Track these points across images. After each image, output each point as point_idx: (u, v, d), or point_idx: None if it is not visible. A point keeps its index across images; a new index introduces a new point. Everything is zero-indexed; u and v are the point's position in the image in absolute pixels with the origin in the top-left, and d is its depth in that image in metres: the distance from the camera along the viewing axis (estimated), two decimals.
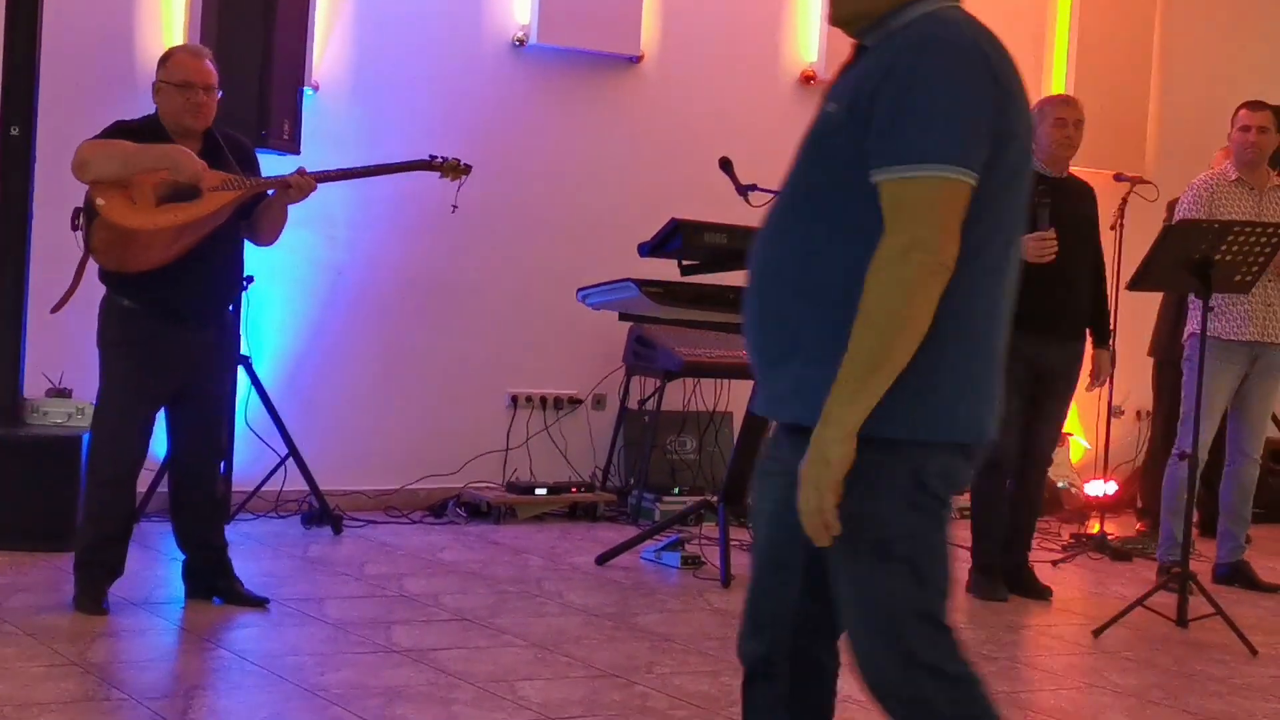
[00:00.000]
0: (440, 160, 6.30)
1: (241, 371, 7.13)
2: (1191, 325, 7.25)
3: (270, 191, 5.76)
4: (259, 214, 5.79)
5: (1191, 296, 7.26)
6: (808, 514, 2.75)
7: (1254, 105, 7.43)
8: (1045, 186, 6.81)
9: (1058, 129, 6.89)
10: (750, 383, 7.17)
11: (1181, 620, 6.42)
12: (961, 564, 7.28)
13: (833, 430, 2.72)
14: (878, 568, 2.83)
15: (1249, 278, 6.59)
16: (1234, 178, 7.32)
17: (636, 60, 8.72)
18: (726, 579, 6.75)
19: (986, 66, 2.84)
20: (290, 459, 7.51)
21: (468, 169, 6.36)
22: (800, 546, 2.87)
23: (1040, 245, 6.59)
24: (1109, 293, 7.30)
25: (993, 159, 2.78)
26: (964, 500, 8.52)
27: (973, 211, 2.77)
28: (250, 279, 7.08)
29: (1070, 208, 6.87)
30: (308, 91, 7.73)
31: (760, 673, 3.12)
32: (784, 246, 2.92)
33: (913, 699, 2.90)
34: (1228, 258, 6.42)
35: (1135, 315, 8.46)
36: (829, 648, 3.10)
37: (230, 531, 6.24)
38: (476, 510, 8.11)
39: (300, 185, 5.74)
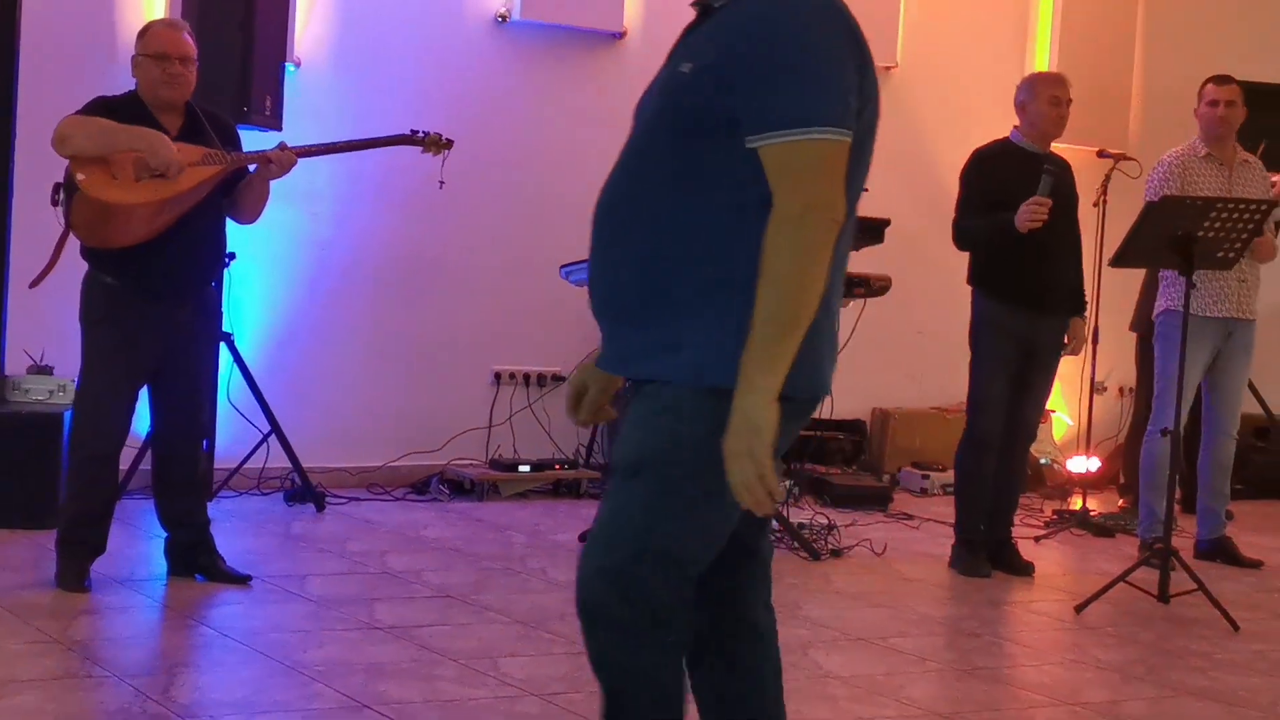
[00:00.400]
0: (422, 135, 6.29)
1: (224, 348, 7.11)
2: (1164, 302, 7.25)
3: (251, 167, 5.74)
4: (240, 190, 5.77)
5: (1162, 273, 7.27)
6: (746, 486, 2.73)
7: (1220, 79, 7.42)
8: (1049, 159, 6.82)
9: (1052, 107, 6.89)
10: None
11: (1163, 596, 6.43)
12: (945, 539, 7.30)
13: (757, 396, 2.71)
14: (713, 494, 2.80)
15: (1232, 254, 6.60)
16: (1204, 153, 7.32)
17: (619, 36, 8.70)
18: None
19: (847, 25, 2.86)
20: (272, 436, 7.49)
21: (450, 143, 6.35)
22: None
23: (1032, 211, 6.60)
24: (1092, 269, 7.31)
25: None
26: (948, 476, 8.57)
27: None
28: (232, 256, 7.04)
29: (1058, 185, 6.88)
30: (290, 67, 7.70)
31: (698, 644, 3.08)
32: (639, 205, 2.90)
33: (630, 582, 2.87)
34: (1210, 234, 6.42)
35: (1118, 291, 8.47)
36: (763, 607, 3.16)
37: (212, 509, 6.22)
38: (459, 487, 8.10)
39: (281, 160, 5.72)
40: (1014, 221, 6.63)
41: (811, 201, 2.74)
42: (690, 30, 2.97)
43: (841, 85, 2.79)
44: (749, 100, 2.75)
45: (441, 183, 6.34)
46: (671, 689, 2.99)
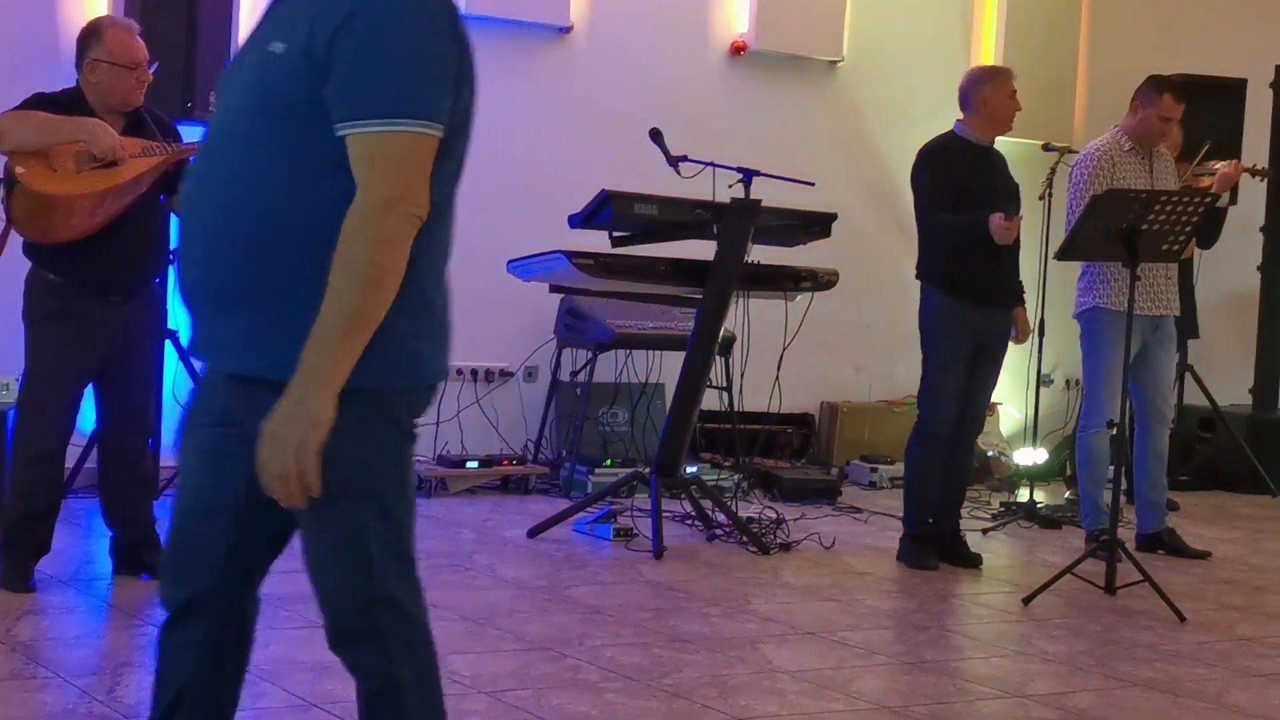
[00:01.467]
0: None
1: (169, 346, 7.06)
2: (1088, 299, 7.28)
3: (193, 159, 5.70)
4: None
5: (1084, 270, 7.31)
6: (283, 477, 2.68)
7: (1180, 97, 7.40)
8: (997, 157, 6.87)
9: (1012, 100, 6.92)
10: (682, 353, 7.20)
11: (1110, 587, 6.46)
12: (893, 532, 7.32)
13: (318, 388, 2.66)
14: (353, 509, 2.80)
15: (1176, 246, 6.64)
16: (1128, 147, 7.35)
17: (566, 31, 8.69)
18: (659, 550, 6.74)
19: (448, 15, 2.81)
20: None
21: None
22: (239, 494, 2.85)
23: (1009, 229, 6.64)
24: (1037, 262, 7.36)
25: (451, 107, 2.81)
26: (896, 469, 8.60)
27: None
28: (176, 251, 7.01)
29: (1001, 177, 6.92)
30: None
31: (179, 617, 3.03)
32: (230, 190, 2.81)
33: (371, 633, 2.88)
34: (1154, 227, 6.45)
35: (1064, 285, 8.49)
36: (253, 593, 3.11)
37: (159, 507, 6.17)
38: None
39: None
40: (988, 224, 6.64)
41: (393, 194, 2.70)
42: (278, 4, 2.86)
43: (435, 76, 2.76)
44: (339, 87, 2.70)
45: None
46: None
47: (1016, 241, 7.01)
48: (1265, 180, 9.47)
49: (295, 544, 6.57)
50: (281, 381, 2.68)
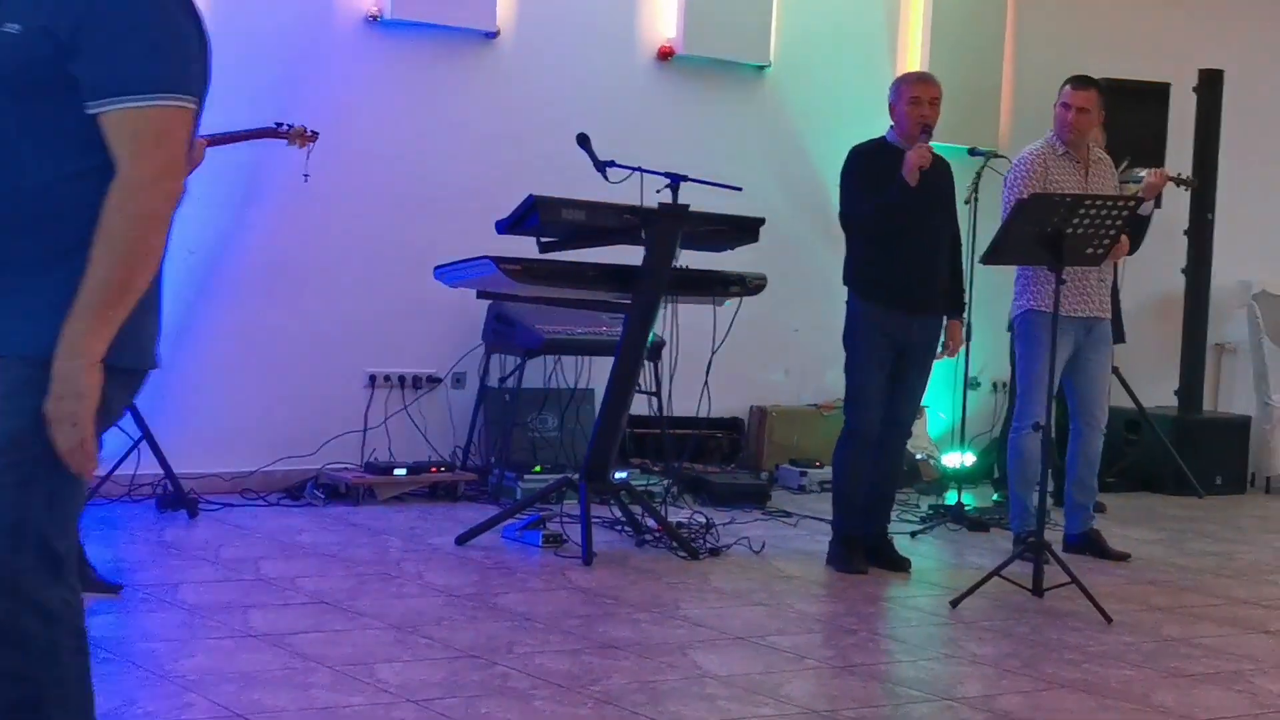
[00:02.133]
0: (286, 128, 6.24)
1: None
2: (1023, 302, 7.31)
3: None
4: None
5: (1020, 273, 7.34)
6: (71, 453, 2.70)
7: (1079, 83, 7.44)
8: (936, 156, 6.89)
9: (913, 107, 6.92)
10: (611, 359, 7.18)
11: (1037, 589, 6.49)
12: (823, 536, 7.33)
13: (81, 362, 2.68)
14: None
15: (1100, 250, 6.68)
16: (1062, 151, 7.39)
17: (493, 36, 8.66)
18: (588, 557, 6.72)
19: None
20: (143, 442, 7.37)
21: (314, 135, 6.31)
22: None
23: (924, 154, 6.70)
24: (964, 265, 7.38)
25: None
26: (825, 473, 8.61)
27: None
28: None
29: (930, 182, 6.91)
30: None
31: None
32: None
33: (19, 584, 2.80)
34: (1079, 230, 6.49)
35: (990, 288, 8.55)
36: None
37: (82, 517, 6.10)
38: (335, 491, 8.02)
39: (195, 146, 5.64)
40: (903, 177, 6.67)
41: (157, 170, 2.72)
42: None
43: (186, 51, 2.80)
44: (91, 64, 2.70)
45: (306, 176, 6.28)
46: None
47: (946, 246, 7.04)
48: (1189, 189, 9.56)
49: (224, 554, 6.53)
50: (29, 357, 2.70)
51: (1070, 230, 6.46)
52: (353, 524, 7.45)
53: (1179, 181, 8.05)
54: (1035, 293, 7.23)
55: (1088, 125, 7.40)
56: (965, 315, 7.49)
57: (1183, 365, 10.46)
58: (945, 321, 7.16)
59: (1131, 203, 6.67)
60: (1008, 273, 8.54)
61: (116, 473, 7.50)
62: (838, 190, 7.07)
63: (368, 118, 8.35)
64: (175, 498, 7.43)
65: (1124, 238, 7.27)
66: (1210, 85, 10.28)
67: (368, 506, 7.92)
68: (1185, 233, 10.25)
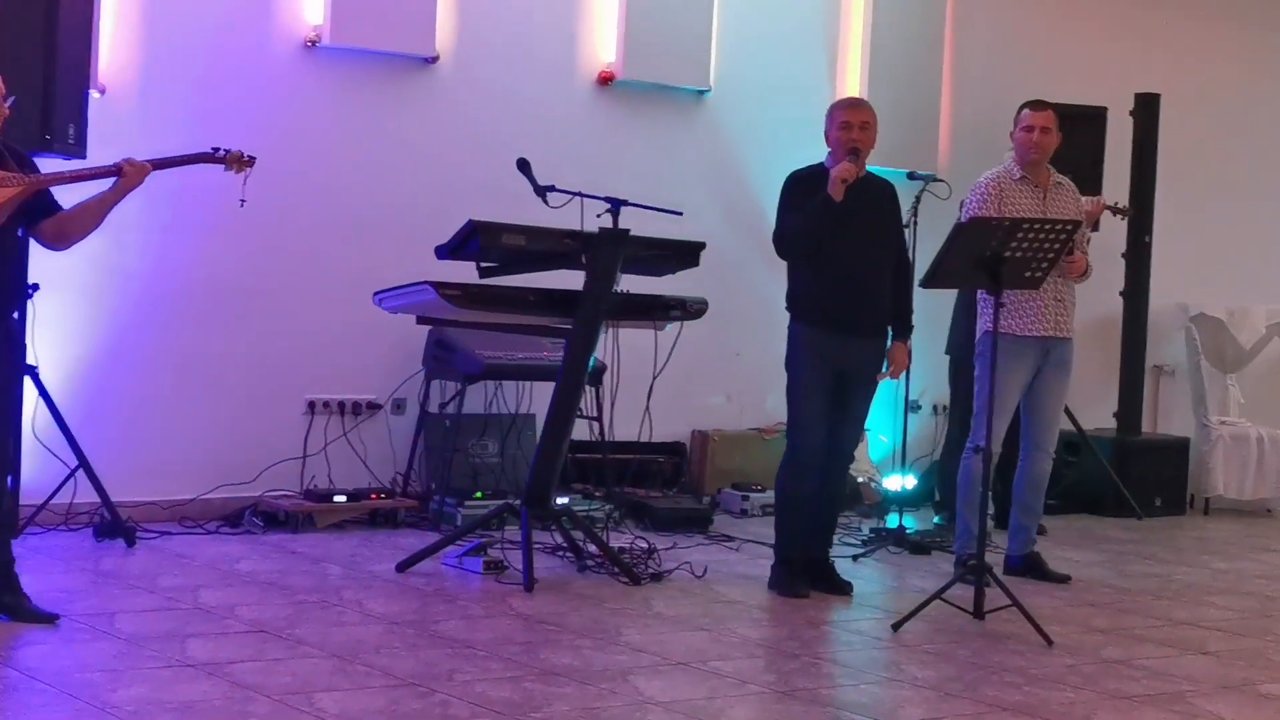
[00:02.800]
0: (223, 153, 6.23)
1: (28, 381, 6.93)
2: (984, 323, 7.36)
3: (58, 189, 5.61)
4: (74, 210, 5.68)
5: (981, 295, 7.37)
6: None
7: (1037, 105, 7.57)
8: (875, 180, 6.90)
9: (843, 131, 6.92)
10: (552, 384, 7.16)
11: (978, 612, 6.50)
12: (765, 560, 7.32)
13: None
14: None
15: (1039, 273, 6.71)
16: (1019, 175, 7.45)
17: (432, 61, 8.64)
18: (529, 583, 6.70)
19: None
20: (80, 470, 7.31)
21: (251, 161, 6.28)
22: None
23: (851, 169, 6.72)
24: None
25: None
26: (768, 497, 8.61)
27: None
28: (35, 286, 6.88)
29: (868, 204, 6.92)
30: (94, 94, 7.53)
31: None
32: None
33: None
34: (1018, 254, 6.53)
35: (929, 311, 8.58)
36: None
37: (18, 546, 6.06)
38: (274, 519, 7.97)
39: (135, 170, 5.66)
40: (827, 193, 6.70)
41: None
42: None
43: None
44: None
45: (243, 201, 6.25)
46: None
47: (887, 270, 7.05)
48: (1125, 218, 9.62)
49: (162, 583, 6.48)
50: None
51: (1008, 254, 6.49)
52: (292, 552, 7.40)
53: (1115, 210, 8.11)
54: (992, 314, 7.25)
55: (1050, 144, 7.46)
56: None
57: (1121, 387, 10.52)
58: (890, 343, 7.15)
59: (1069, 226, 6.71)
60: (948, 296, 8.61)
61: (53, 501, 7.43)
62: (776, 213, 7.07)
63: (307, 143, 8.31)
64: (112, 526, 7.35)
65: (1082, 258, 7.32)
66: (1146, 109, 10.37)
67: (307, 534, 7.87)
68: (1123, 256, 10.32)
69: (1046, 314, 7.38)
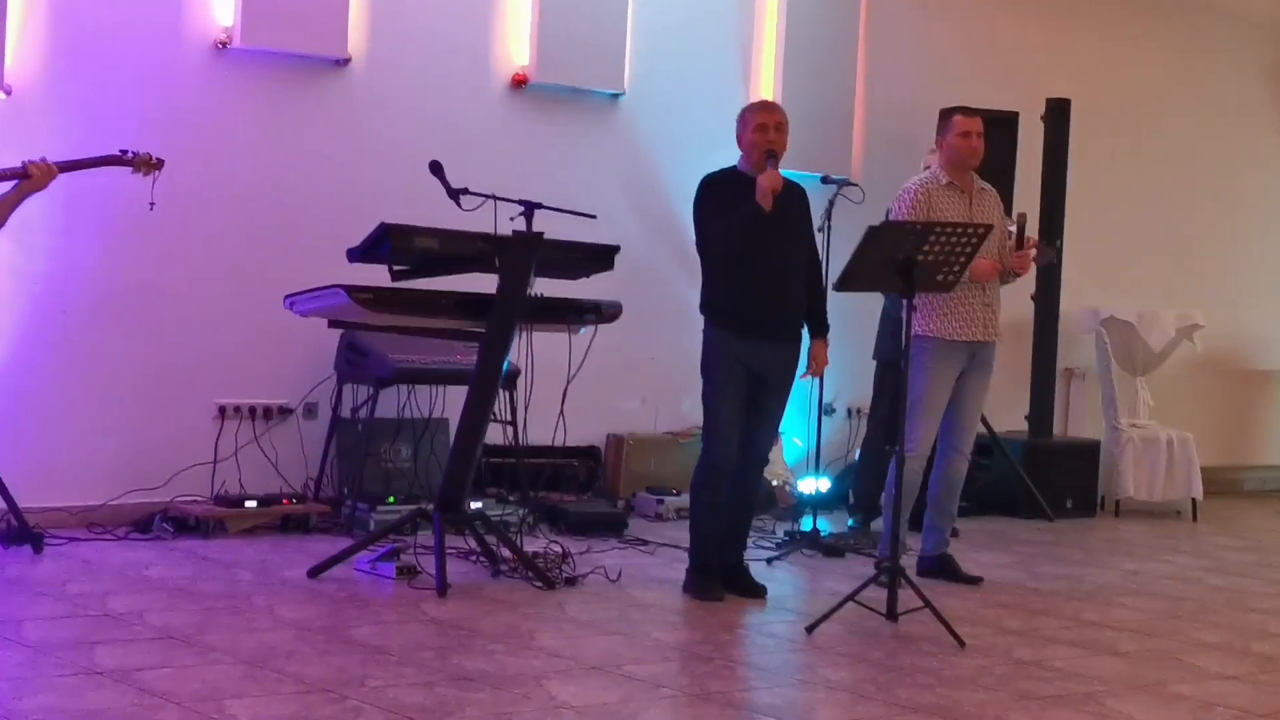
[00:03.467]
0: (131, 155, 6.17)
1: None
2: (915, 327, 7.36)
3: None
4: None
5: (918, 298, 7.37)
6: None
7: (967, 111, 7.60)
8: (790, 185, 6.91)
9: (759, 134, 6.94)
10: (465, 388, 7.13)
11: (891, 614, 6.53)
12: (679, 564, 7.32)
13: None
14: None
15: (950, 277, 6.75)
16: (946, 182, 7.48)
17: (344, 63, 8.59)
18: (443, 588, 6.66)
19: None
20: None
21: (160, 163, 6.24)
22: None
23: (774, 178, 6.74)
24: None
25: None
26: (682, 501, 8.61)
27: None
28: None
29: (783, 208, 6.93)
30: None
31: None
32: None
33: None
34: (929, 258, 6.56)
35: (845, 315, 8.60)
36: None
37: None
38: (184, 525, 7.89)
39: (42, 171, 5.59)
40: (756, 202, 6.71)
41: None
42: None
43: None
44: None
45: (152, 204, 6.19)
46: None
47: (803, 272, 7.07)
48: (1047, 263, 9.68)
49: (70, 589, 6.41)
50: None
51: (920, 257, 6.52)
52: (203, 557, 7.33)
53: (1043, 254, 8.17)
54: (924, 319, 7.28)
55: (982, 149, 7.53)
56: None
57: (1033, 391, 10.61)
58: (809, 342, 7.17)
59: (980, 230, 6.74)
60: (862, 299, 8.62)
61: None
62: (692, 218, 7.07)
63: (218, 145, 8.24)
64: (19, 532, 7.26)
65: (985, 262, 7.34)
66: (1058, 114, 10.46)
67: (218, 539, 7.79)
68: (1034, 260, 10.37)
69: (975, 319, 7.43)
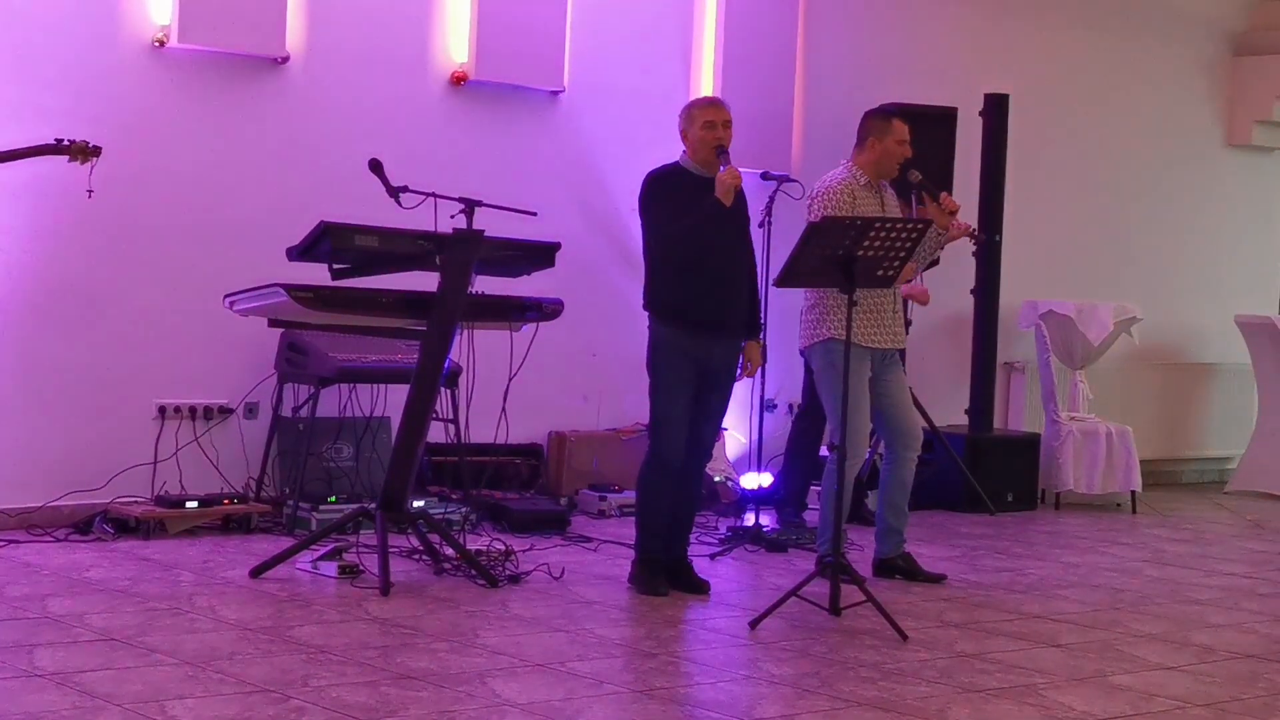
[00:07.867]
0: (67, 143, 6.12)
1: None
2: (824, 330, 7.32)
3: None
4: None
5: (820, 302, 7.36)
6: None
7: (904, 118, 7.60)
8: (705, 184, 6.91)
9: (707, 131, 6.96)
10: (407, 386, 7.11)
11: (834, 609, 6.55)
12: (623, 560, 7.33)
13: None
14: None
15: (891, 272, 6.78)
16: (864, 180, 7.49)
17: (282, 61, 8.55)
18: (385, 587, 6.65)
19: None
20: None
21: (97, 150, 6.19)
22: None
23: (734, 177, 6.80)
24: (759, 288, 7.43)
25: None
26: (626, 497, 8.61)
27: None
28: None
29: (729, 207, 6.93)
30: None
31: None
32: None
33: None
34: (870, 253, 6.58)
35: (785, 311, 8.63)
36: None
37: None
38: (124, 526, 7.84)
39: None
40: (717, 198, 6.73)
41: None
42: None
43: None
44: None
45: (90, 192, 6.15)
46: None
47: (745, 269, 7.09)
48: (976, 243, 9.73)
49: (9, 592, 6.36)
50: None
51: (861, 253, 6.54)
52: (143, 558, 7.29)
53: (973, 236, 8.15)
54: (833, 321, 7.27)
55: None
56: (762, 337, 7.53)
57: (973, 384, 10.65)
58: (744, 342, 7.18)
59: (920, 224, 6.77)
60: (803, 296, 8.65)
61: None
62: (634, 215, 7.08)
63: (155, 143, 8.18)
64: None
65: (946, 208, 7.40)
66: (996, 110, 10.50)
67: (158, 540, 7.74)
68: (974, 254, 10.43)
69: (885, 326, 7.42)
